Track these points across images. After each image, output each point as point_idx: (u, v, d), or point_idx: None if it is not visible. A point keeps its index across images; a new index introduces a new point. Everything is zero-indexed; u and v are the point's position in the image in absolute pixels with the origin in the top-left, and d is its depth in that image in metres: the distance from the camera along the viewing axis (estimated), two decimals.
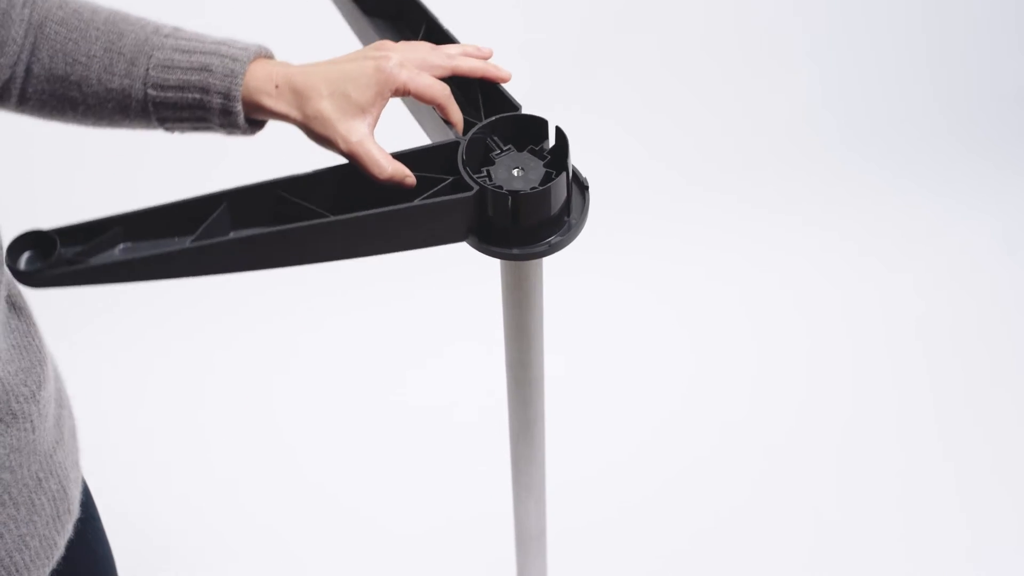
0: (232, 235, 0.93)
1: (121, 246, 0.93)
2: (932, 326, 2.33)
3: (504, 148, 0.98)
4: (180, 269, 0.91)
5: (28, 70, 0.94)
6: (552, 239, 0.96)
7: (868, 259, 2.48)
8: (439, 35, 1.07)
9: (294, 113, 0.93)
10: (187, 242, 0.90)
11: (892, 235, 2.53)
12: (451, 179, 0.95)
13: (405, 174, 0.93)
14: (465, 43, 1.03)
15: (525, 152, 0.97)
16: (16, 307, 0.90)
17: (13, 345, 0.87)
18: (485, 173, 0.95)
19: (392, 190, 0.94)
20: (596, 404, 2.21)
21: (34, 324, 0.92)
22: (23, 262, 0.86)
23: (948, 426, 2.14)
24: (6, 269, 0.85)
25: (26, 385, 0.87)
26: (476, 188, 0.92)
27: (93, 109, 0.95)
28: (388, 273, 2.44)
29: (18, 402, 0.85)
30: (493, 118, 0.98)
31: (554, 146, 0.97)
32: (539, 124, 0.98)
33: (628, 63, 2.80)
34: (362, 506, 2.07)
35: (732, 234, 2.54)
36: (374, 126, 0.93)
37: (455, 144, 0.96)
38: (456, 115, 0.97)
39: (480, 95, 1.02)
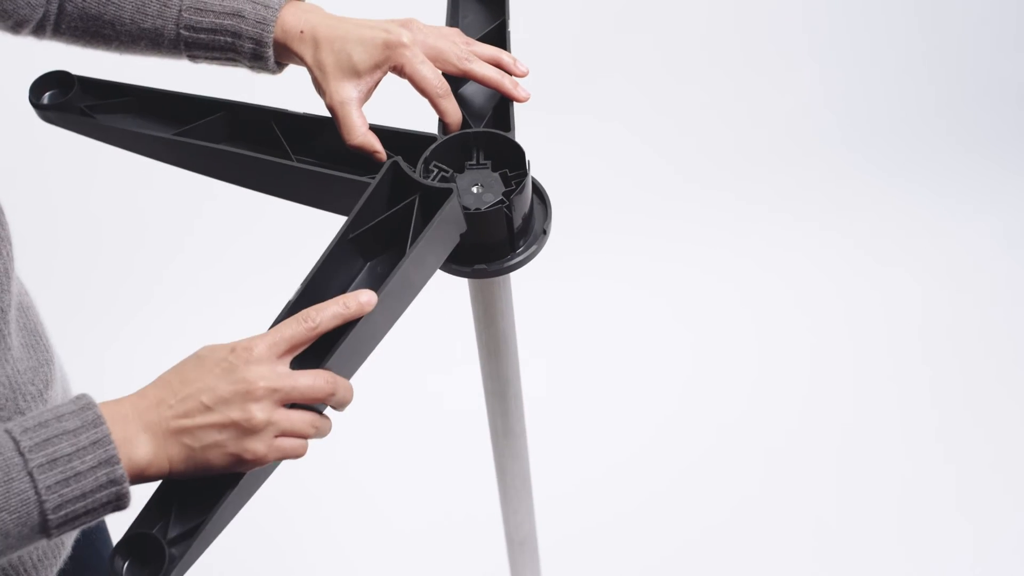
0: (213, 144, 1.00)
1: (130, 116, 1.04)
2: (932, 325, 2.32)
3: (482, 162, 0.98)
4: (160, 154, 1.02)
5: (61, 8, 0.97)
6: (481, 266, 0.96)
7: (868, 258, 2.47)
8: (498, 38, 1.08)
9: (307, 57, 0.96)
10: (171, 134, 1.00)
11: (893, 234, 2.52)
12: (388, 160, 0.95)
13: (375, 148, 0.96)
14: (506, 52, 1.03)
15: (497, 173, 0.97)
16: (23, 306, 0.91)
17: (21, 344, 0.88)
18: (451, 176, 0.96)
19: (363, 158, 0.97)
20: (594, 406, 2.21)
21: (41, 323, 0.94)
22: (46, 97, 0.98)
23: (949, 425, 2.13)
24: (17, 269, 0.88)
25: (33, 384, 0.88)
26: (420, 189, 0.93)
27: (125, 44, 0.99)
28: None
29: (25, 400, 0.87)
30: (474, 130, 0.99)
31: (514, 177, 0.96)
32: (517, 151, 0.97)
33: (627, 62, 2.79)
34: (361, 508, 2.08)
35: (732, 234, 2.54)
36: (367, 92, 0.96)
37: (431, 139, 0.98)
38: (448, 116, 0.98)
39: (495, 105, 1.03)
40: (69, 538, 0.94)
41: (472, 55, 1.00)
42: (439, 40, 0.98)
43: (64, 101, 1.03)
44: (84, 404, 0.72)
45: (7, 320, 0.84)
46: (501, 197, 0.94)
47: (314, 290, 0.84)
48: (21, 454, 0.69)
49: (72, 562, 0.96)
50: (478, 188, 0.96)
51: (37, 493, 0.68)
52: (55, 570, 0.92)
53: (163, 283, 2.50)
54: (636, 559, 1.97)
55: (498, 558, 1.77)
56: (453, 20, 1.11)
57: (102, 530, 1.12)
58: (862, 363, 2.27)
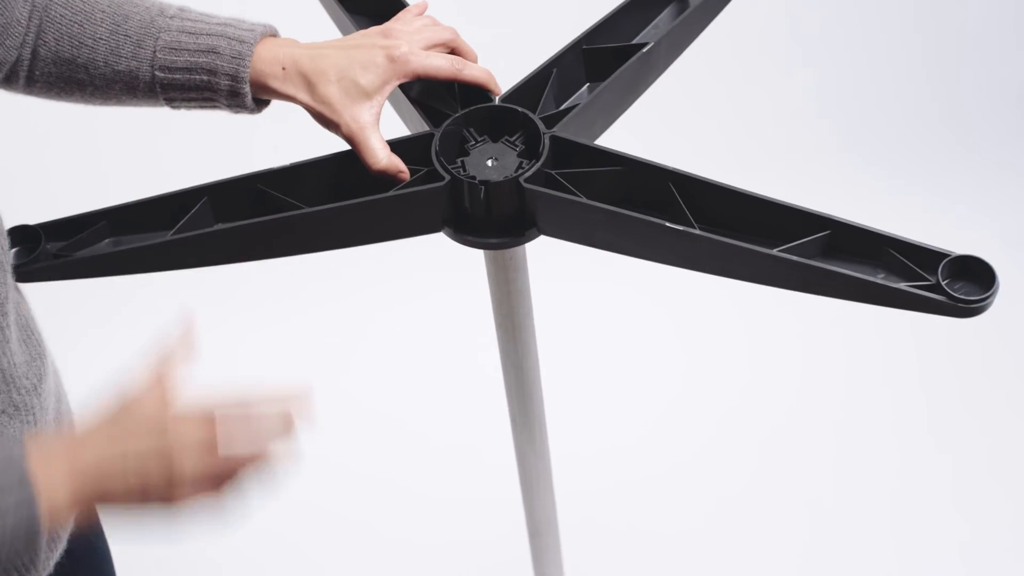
0: (212, 228, 0.96)
1: (108, 240, 0.99)
2: (926, 326, 2.28)
3: (479, 139, 0.98)
4: (162, 262, 0.97)
5: (35, 53, 0.94)
6: (532, 230, 0.96)
7: None
8: None
9: (302, 96, 0.94)
10: (168, 235, 0.95)
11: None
12: (425, 170, 0.96)
13: (399, 168, 0.95)
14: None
15: (500, 143, 0.98)
16: (14, 301, 0.89)
17: (16, 338, 0.87)
18: (460, 164, 0.96)
19: (376, 182, 0.95)
20: (589, 405, 2.22)
21: (32, 318, 0.92)
22: (12, 257, 0.91)
23: (941, 426, 2.15)
24: (10, 258, 0.86)
25: (28, 378, 0.87)
26: (448, 178, 0.93)
27: (101, 90, 0.96)
28: (401, 272, 2.44)
29: (20, 394, 0.86)
30: (467, 109, 0.99)
31: (527, 135, 0.97)
32: (513, 114, 0.98)
33: None
34: (373, 503, 2.08)
35: None
36: (379, 112, 0.95)
37: (429, 135, 0.97)
38: (482, 80, 0.98)
39: (457, 86, 1.02)
40: (65, 531, 0.93)
41: (456, 35, 1.01)
42: (421, 32, 0.98)
43: (35, 255, 0.96)
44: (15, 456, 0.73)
45: (5, 312, 0.83)
46: (521, 160, 0.95)
47: None
48: None
49: (67, 555, 0.95)
50: (492, 161, 0.96)
51: None
52: (52, 563, 0.91)
53: (158, 282, 2.38)
54: (641, 546, 1.99)
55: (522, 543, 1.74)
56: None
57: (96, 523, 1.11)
58: (857, 363, 2.27)
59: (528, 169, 0.93)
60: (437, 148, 0.95)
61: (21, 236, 0.96)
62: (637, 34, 1.12)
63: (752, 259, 0.85)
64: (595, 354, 2.32)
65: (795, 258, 0.83)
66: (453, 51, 1.01)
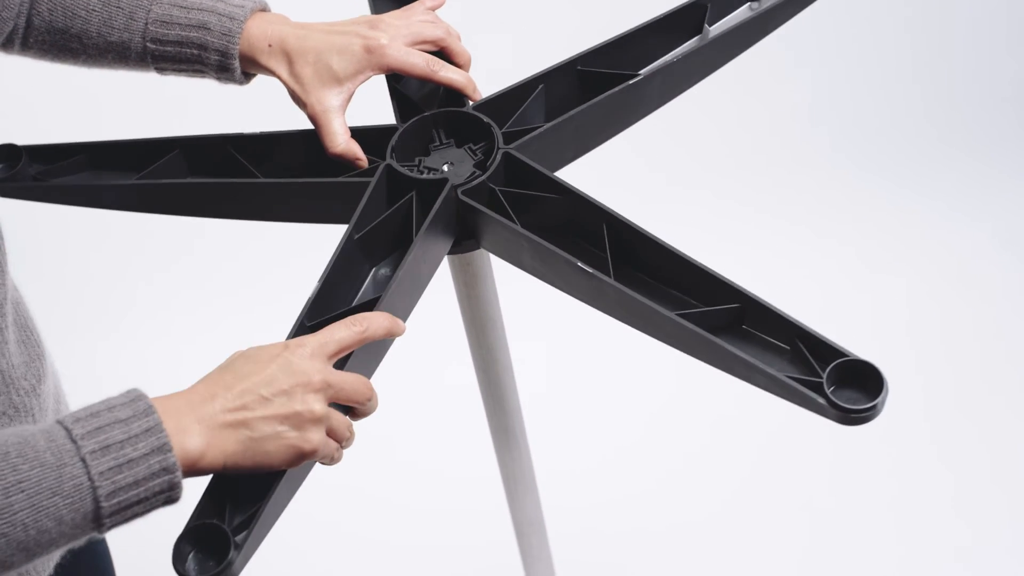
0: (167, 180, 1.01)
1: (86, 173, 1.03)
2: (924, 329, 2.29)
3: (445, 141, 0.99)
4: (123, 202, 1.01)
5: (29, 22, 0.98)
6: (471, 240, 0.96)
7: (860, 263, 2.44)
8: None
9: (281, 71, 0.97)
10: (133, 178, 0.99)
11: (884, 239, 2.49)
12: (381, 163, 0.97)
13: (357, 155, 0.97)
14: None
15: (463, 149, 0.98)
16: (14, 301, 0.91)
17: (14, 339, 0.89)
18: (417, 162, 0.97)
19: (336, 165, 0.97)
20: (585, 408, 2.21)
21: (31, 319, 0.94)
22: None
23: (940, 428, 2.12)
24: (9, 262, 0.89)
25: (26, 379, 0.88)
26: None
27: (93, 58, 1.00)
28: None
29: (19, 395, 0.87)
30: (435, 111, 1.00)
31: (488, 147, 0.97)
32: (478, 123, 0.98)
33: None
34: (365, 512, 2.09)
35: (725, 240, 2.50)
36: (348, 99, 0.98)
37: (393, 129, 0.98)
38: (457, 83, 1.00)
39: (443, 88, 1.03)
40: None
41: (448, 34, 1.01)
42: (410, 27, 1.00)
43: (14, 173, 1.02)
44: (135, 395, 0.72)
45: (3, 313, 0.85)
46: (474, 170, 0.95)
47: (325, 295, 0.84)
48: (73, 441, 0.68)
49: (68, 554, 0.97)
50: (449, 166, 0.97)
51: (90, 479, 0.67)
52: (52, 564, 0.93)
53: (154, 284, 2.50)
54: (640, 548, 1.99)
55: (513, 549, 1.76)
56: None
57: None
58: None
59: (471, 181, 0.93)
60: (394, 143, 0.96)
61: (6, 153, 1.02)
62: (647, 64, 1.10)
63: (651, 317, 0.83)
64: (583, 360, 2.30)
65: (689, 326, 0.81)
66: (443, 50, 1.02)
